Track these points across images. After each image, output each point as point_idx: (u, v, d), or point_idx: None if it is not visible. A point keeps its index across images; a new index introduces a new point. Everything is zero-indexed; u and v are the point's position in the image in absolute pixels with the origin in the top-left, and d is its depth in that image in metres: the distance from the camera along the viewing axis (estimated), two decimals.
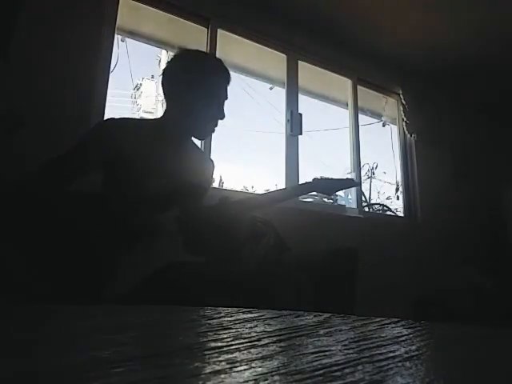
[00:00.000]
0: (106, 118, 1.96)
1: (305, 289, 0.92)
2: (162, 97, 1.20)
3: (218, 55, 2.39)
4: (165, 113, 1.17)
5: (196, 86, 1.12)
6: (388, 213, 3.55)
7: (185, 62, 1.16)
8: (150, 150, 1.07)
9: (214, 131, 1.19)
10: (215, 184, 2.58)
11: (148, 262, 0.93)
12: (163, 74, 1.17)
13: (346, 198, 3.14)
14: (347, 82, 3.02)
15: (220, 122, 1.19)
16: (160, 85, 1.17)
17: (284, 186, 2.41)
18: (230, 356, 0.24)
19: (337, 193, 3.24)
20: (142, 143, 1.08)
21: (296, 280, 0.92)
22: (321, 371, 0.21)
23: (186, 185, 1.07)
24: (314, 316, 0.38)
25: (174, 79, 1.15)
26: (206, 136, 1.20)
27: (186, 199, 1.04)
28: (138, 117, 2.78)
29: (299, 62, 2.74)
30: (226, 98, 1.18)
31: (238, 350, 0.26)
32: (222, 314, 0.42)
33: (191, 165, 1.16)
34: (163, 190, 1.02)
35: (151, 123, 1.25)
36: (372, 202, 3.43)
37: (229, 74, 1.16)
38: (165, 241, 0.97)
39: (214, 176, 1.31)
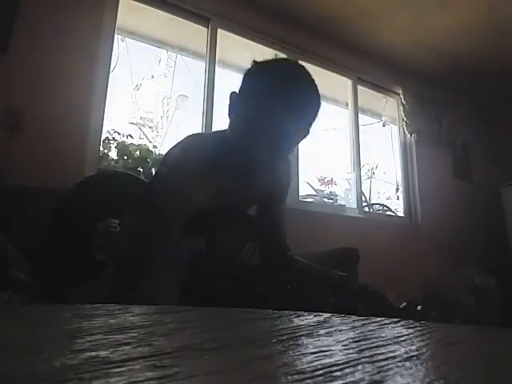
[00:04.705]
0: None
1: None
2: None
3: (217, 55, 2.39)
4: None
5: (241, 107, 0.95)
6: (388, 213, 3.55)
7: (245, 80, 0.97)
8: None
9: (266, 152, 0.92)
10: None
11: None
12: None
13: (346, 197, 3.14)
14: (347, 82, 3.02)
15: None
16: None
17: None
18: (229, 356, 0.24)
19: (336, 193, 3.22)
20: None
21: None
22: (321, 371, 0.21)
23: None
24: (314, 316, 0.38)
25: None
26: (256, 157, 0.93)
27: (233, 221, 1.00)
28: (139, 117, 2.75)
29: (299, 62, 2.74)
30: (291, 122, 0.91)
31: (238, 349, 0.26)
32: (222, 314, 0.42)
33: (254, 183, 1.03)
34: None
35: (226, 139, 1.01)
36: (372, 202, 3.43)
37: (291, 91, 0.90)
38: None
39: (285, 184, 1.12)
